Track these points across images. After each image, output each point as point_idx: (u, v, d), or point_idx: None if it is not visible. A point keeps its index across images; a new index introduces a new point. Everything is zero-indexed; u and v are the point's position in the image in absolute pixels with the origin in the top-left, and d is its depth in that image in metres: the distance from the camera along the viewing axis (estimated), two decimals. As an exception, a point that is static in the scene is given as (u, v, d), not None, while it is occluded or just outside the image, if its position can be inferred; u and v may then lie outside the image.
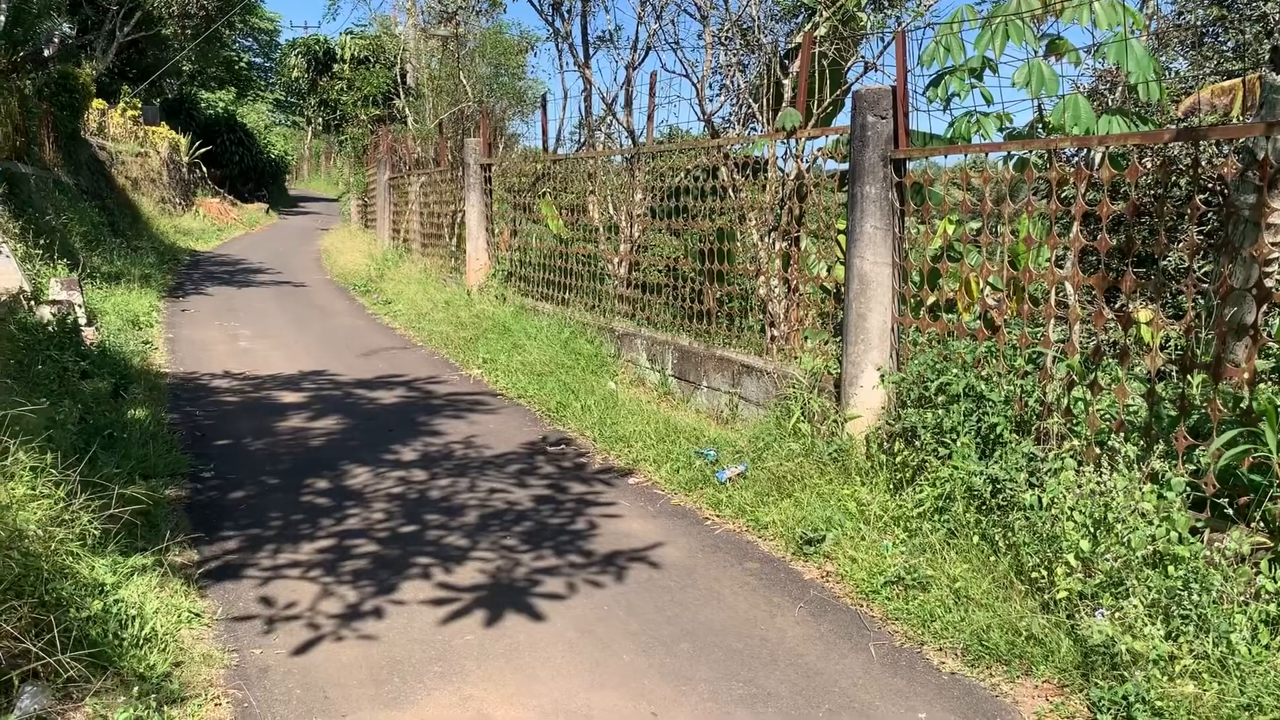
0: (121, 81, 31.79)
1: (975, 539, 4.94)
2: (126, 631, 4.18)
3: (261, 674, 4.23)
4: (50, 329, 9.06)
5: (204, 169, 34.67)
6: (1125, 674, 3.86)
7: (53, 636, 3.69)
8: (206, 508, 6.25)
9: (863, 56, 8.46)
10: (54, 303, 10.59)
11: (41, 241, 13.06)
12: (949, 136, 6.41)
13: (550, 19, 12.22)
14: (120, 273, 16.07)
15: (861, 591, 5.00)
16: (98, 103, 25.97)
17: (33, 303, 10.52)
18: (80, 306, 10.95)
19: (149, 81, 32.54)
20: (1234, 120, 7.39)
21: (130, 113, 28.73)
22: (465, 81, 19.13)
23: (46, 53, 17.98)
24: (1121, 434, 4.79)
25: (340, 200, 37.19)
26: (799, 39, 8.18)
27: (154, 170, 27.88)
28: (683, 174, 9.35)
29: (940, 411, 5.51)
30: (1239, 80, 7.26)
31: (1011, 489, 4.90)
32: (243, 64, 47.11)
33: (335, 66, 36.54)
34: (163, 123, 31.76)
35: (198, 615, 4.66)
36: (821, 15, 8.58)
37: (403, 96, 25.15)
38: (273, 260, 22.56)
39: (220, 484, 6.73)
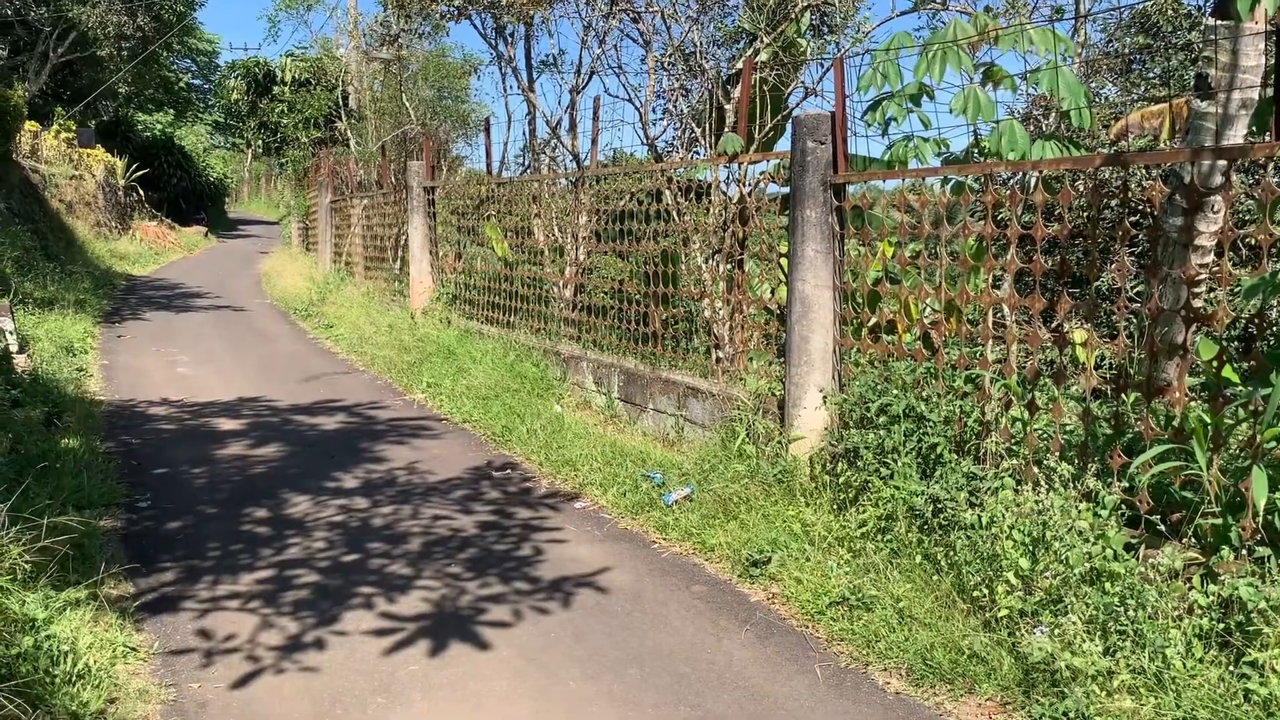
0: (55, 103, 31.20)
1: (918, 558, 4.99)
2: (58, 668, 4.07)
3: (200, 709, 4.14)
4: (-21, 357, 8.85)
5: (141, 192, 34.05)
6: (1065, 690, 3.92)
7: (-20, 676, 3.58)
8: (143, 538, 6.12)
9: (803, 82, 8.59)
10: (-17, 329, 10.34)
11: (-30, 267, 12.76)
12: (887, 160, 6.50)
13: (493, 43, 12.25)
14: (54, 298, 15.72)
15: (807, 613, 5.02)
16: (30, 125, 25.44)
17: (-39, 330, 10.25)
18: (11, 333, 10.68)
19: (84, 103, 32.01)
20: (1163, 143, 7.60)
21: (64, 135, 28.15)
22: (408, 104, 19.06)
23: (-24, 74, 17.63)
24: (1058, 453, 4.88)
25: (281, 223, 36.84)
26: (740, 64, 8.27)
27: (89, 193, 27.33)
28: (627, 197, 9.38)
29: (882, 432, 5.57)
30: (1168, 103, 7.47)
31: (952, 508, 4.97)
32: (181, 86, 46.51)
33: (275, 89, 36.26)
34: (98, 145, 31.14)
35: (133, 649, 4.54)
36: (762, 41, 8.69)
37: (344, 119, 25.02)
38: (212, 284, 22.22)
39: (157, 514, 6.59)
